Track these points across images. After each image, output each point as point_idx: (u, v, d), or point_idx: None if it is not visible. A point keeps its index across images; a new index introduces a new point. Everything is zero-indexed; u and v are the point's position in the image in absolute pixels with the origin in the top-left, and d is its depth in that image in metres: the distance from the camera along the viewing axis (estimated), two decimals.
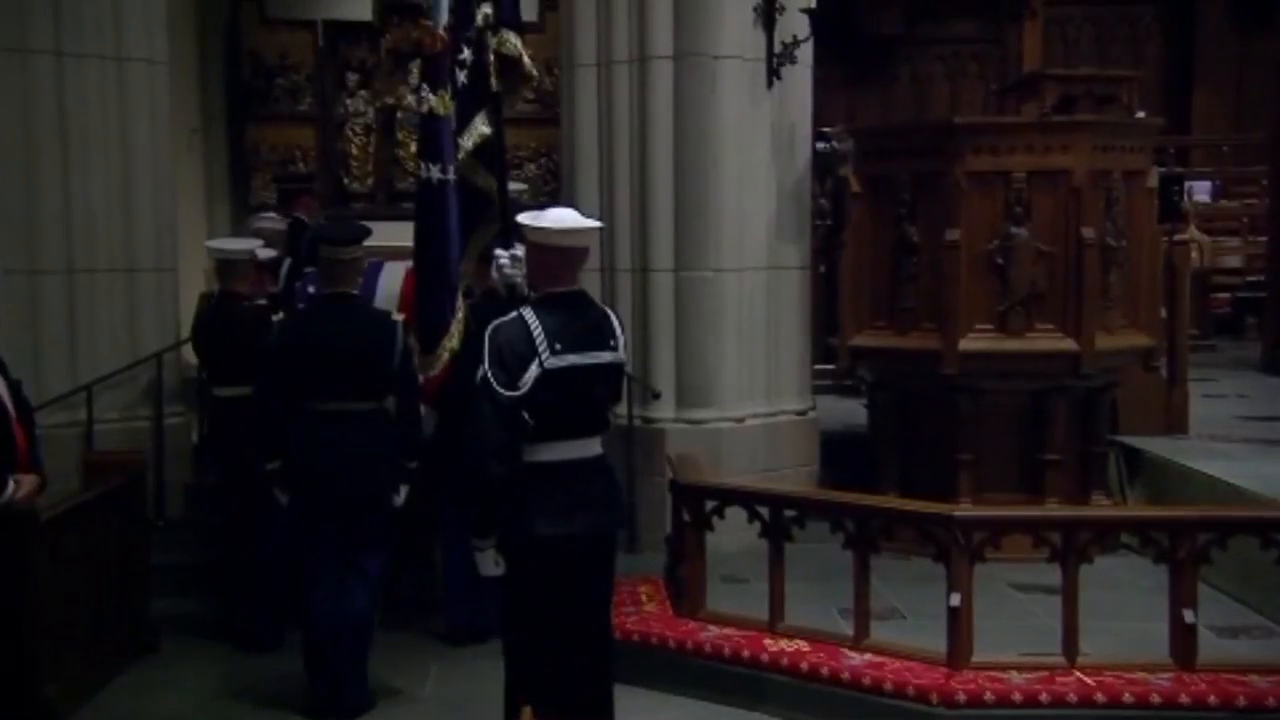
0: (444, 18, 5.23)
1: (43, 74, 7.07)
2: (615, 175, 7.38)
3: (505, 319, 4.22)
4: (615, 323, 4.33)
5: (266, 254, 6.88)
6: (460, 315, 5.21)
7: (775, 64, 7.29)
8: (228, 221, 10.81)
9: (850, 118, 12.97)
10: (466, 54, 5.26)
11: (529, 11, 11.09)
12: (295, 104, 11.29)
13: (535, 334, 4.12)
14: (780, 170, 7.47)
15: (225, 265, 6.53)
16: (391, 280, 6.64)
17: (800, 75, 7.50)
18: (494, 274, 5.24)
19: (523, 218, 4.35)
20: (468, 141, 5.27)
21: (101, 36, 7.21)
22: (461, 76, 5.26)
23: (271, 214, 8.53)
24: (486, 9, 5.29)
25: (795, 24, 7.29)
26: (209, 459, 6.83)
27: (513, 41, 5.32)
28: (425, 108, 5.22)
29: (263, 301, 6.64)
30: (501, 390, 4.09)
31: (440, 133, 5.20)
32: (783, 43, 7.27)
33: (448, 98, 5.17)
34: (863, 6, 14.66)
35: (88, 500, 5.77)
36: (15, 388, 5.25)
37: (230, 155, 11.16)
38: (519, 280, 4.84)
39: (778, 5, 7.21)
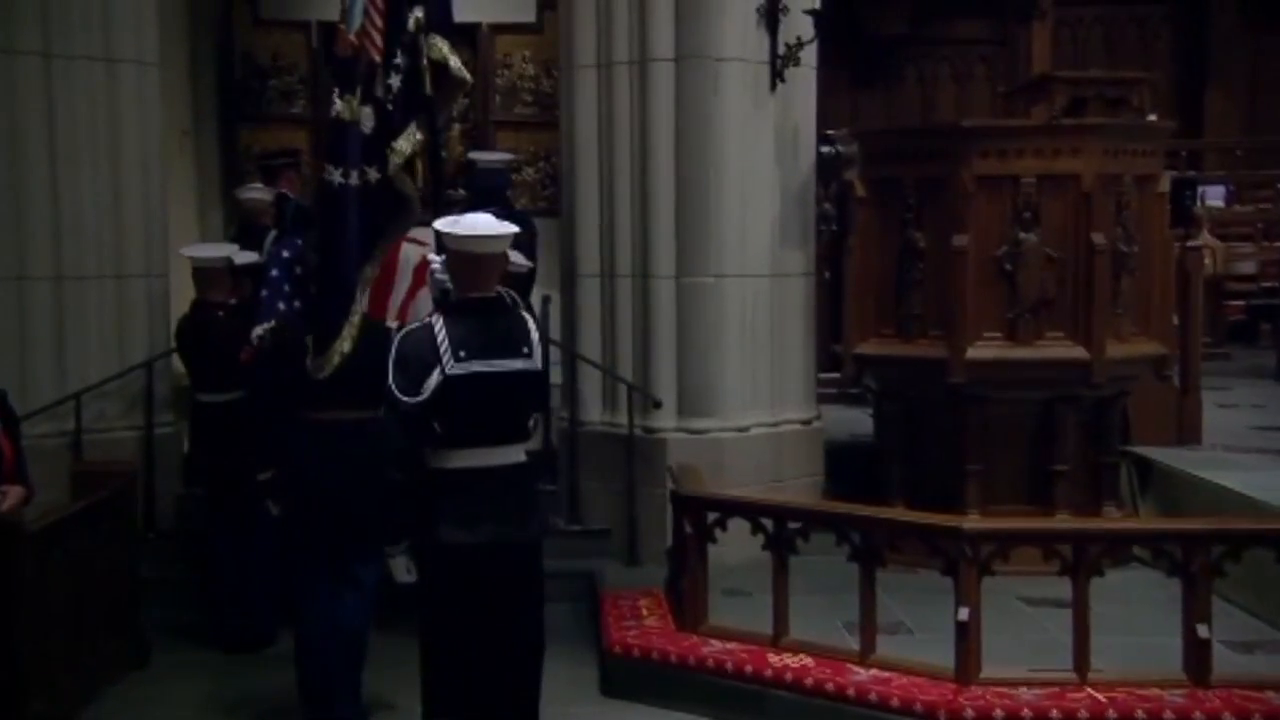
0: (356, 23, 5.26)
1: (30, 75, 7.08)
2: (615, 179, 7.38)
3: (415, 325, 4.34)
4: (532, 330, 4.35)
5: (245, 258, 6.90)
6: (355, 319, 5.20)
7: (779, 66, 7.30)
8: (220, 226, 10.80)
9: (855, 120, 12.98)
10: (400, 59, 5.29)
11: (526, 12, 11.13)
12: (289, 106, 11.28)
13: (440, 340, 4.19)
14: (784, 174, 7.48)
15: (201, 273, 6.62)
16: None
17: (804, 77, 7.51)
18: (428, 279, 5.28)
19: (438, 224, 4.41)
20: (405, 146, 5.28)
21: (90, 37, 7.22)
22: (396, 81, 5.28)
23: (257, 185, 8.53)
24: (418, 13, 5.32)
25: (799, 25, 7.29)
26: (193, 462, 6.91)
27: (439, 46, 5.35)
28: (333, 111, 5.25)
29: (233, 301, 6.70)
30: (402, 397, 4.17)
31: (345, 137, 5.22)
32: (786, 44, 7.27)
33: (355, 103, 5.20)
34: (868, 7, 14.67)
35: (76, 512, 5.76)
36: (2, 397, 5.26)
37: (222, 158, 11.14)
38: (450, 286, 4.88)
39: (781, 6, 7.21)
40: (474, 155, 8.38)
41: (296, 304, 6.05)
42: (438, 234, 4.44)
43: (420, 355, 4.20)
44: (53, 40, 7.11)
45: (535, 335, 4.36)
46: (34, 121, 7.10)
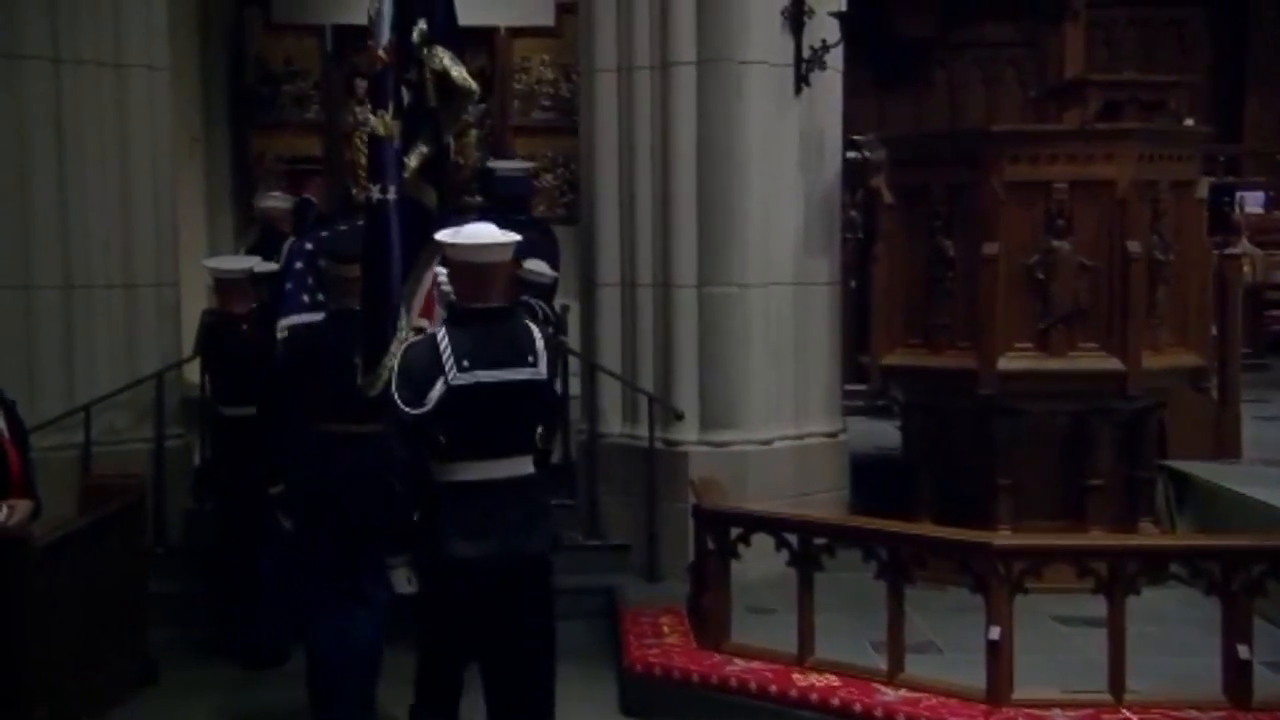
0: (385, 36, 5.33)
1: (39, 81, 7.13)
2: (636, 186, 7.40)
3: (419, 337, 4.43)
4: (536, 340, 4.37)
5: (266, 268, 6.95)
6: (402, 334, 5.25)
7: (804, 69, 7.30)
8: (230, 234, 10.86)
9: (881, 124, 12.98)
10: (411, 72, 5.37)
11: (545, 15, 11.17)
12: (301, 111, 11.33)
13: (443, 351, 4.24)
14: (809, 180, 7.48)
15: (223, 284, 6.69)
16: None
17: (829, 81, 7.51)
18: (435, 292, 5.32)
19: (441, 235, 4.45)
20: (412, 160, 5.37)
21: (100, 42, 7.27)
22: (407, 95, 5.37)
23: (276, 192, 8.62)
24: (422, 24, 5.39)
25: (824, 27, 7.29)
26: (206, 474, 6.98)
27: (440, 57, 5.41)
28: (369, 128, 5.35)
29: (253, 304, 6.79)
30: (405, 408, 4.23)
31: (381, 153, 5.31)
32: (811, 47, 7.27)
33: (388, 118, 5.28)
34: (894, 9, 14.65)
35: (84, 526, 5.79)
36: (9, 409, 5.29)
37: (233, 165, 11.20)
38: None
39: (806, 8, 7.21)
40: (493, 164, 8.43)
41: (320, 296, 6.11)
42: (440, 245, 4.49)
43: (424, 366, 4.25)
44: (61, 45, 7.16)
45: (540, 345, 4.38)
46: (42, 128, 7.15)
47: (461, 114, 5.92)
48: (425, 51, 5.40)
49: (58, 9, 7.14)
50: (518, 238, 4.48)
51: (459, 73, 5.49)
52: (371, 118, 5.30)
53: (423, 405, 4.20)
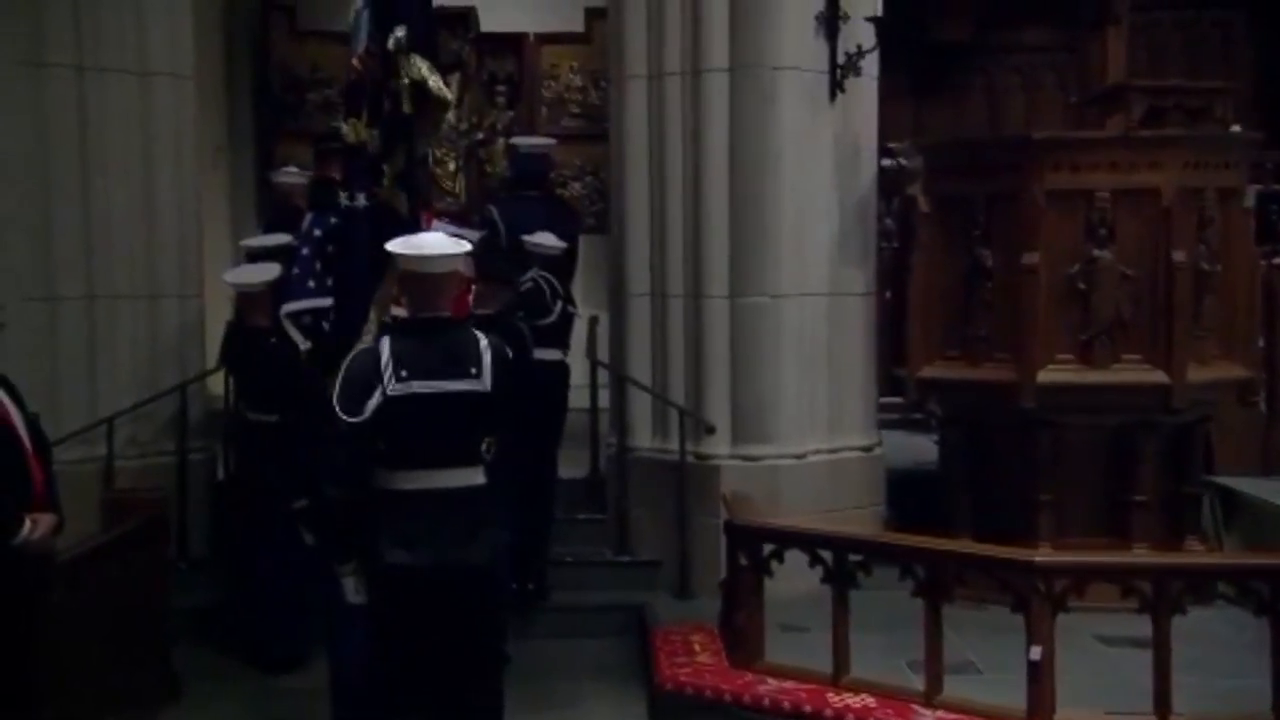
0: (361, 44, 5.42)
1: (62, 89, 7.21)
2: (667, 195, 7.41)
3: (365, 346, 4.54)
4: (485, 352, 4.42)
5: (277, 240, 7.07)
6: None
7: (838, 75, 7.31)
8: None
9: (918, 131, 12.92)
10: (390, 80, 5.46)
11: (574, 21, 11.21)
12: (327, 119, 11.35)
13: (383, 360, 4.33)
14: (843, 189, 7.48)
15: (245, 298, 6.76)
16: None
17: (865, 87, 7.51)
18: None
19: (391, 245, 4.51)
20: (388, 167, 5.44)
21: (124, 50, 7.35)
22: (387, 103, 5.45)
23: (292, 168, 8.66)
24: (399, 33, 5.46)
25: (859, 33, 7.30)
26: (234, 477, 7.07)
27: (418, 66, 5.49)
28: (342, 135, 5.46)
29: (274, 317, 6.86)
30: (344, 416, 4.33)
31: (352, 160, 5.40)
32: (846, 53, 7.28)
33: (361, 125, 5.37)
34: (931, 13, 14.63)
35: (107, 541, 5.84)
36: (32, 422, 5.31)
37: (258, 174, 11.26)
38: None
39: (841, 13, 7.22)
40: (516, 140, 8.54)
41: (329, 281, 6.17)
42: (390, 255, 4.56)
43: (364, 376, 4.35)
44: (85, 53, 7.24)
45: (488, 357, 4.41)
46: (65, 136, 7.23)
47: (440, 123, 6.02)
48: (403, 59, 5.49)
49: (81, 17, 7.21)
50: (467, 247, 4.56)
51: (435, 82, 5.57)
52: (344, 125, 5.41)
53: (360, 414, 4.30)
